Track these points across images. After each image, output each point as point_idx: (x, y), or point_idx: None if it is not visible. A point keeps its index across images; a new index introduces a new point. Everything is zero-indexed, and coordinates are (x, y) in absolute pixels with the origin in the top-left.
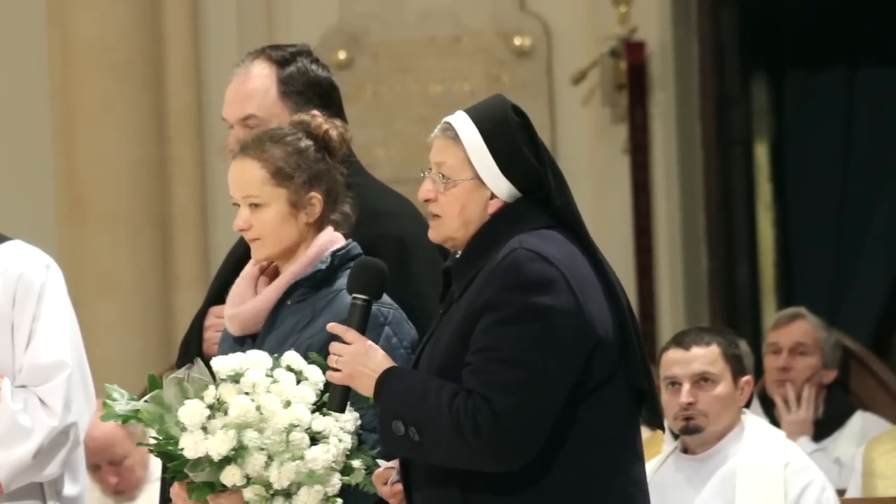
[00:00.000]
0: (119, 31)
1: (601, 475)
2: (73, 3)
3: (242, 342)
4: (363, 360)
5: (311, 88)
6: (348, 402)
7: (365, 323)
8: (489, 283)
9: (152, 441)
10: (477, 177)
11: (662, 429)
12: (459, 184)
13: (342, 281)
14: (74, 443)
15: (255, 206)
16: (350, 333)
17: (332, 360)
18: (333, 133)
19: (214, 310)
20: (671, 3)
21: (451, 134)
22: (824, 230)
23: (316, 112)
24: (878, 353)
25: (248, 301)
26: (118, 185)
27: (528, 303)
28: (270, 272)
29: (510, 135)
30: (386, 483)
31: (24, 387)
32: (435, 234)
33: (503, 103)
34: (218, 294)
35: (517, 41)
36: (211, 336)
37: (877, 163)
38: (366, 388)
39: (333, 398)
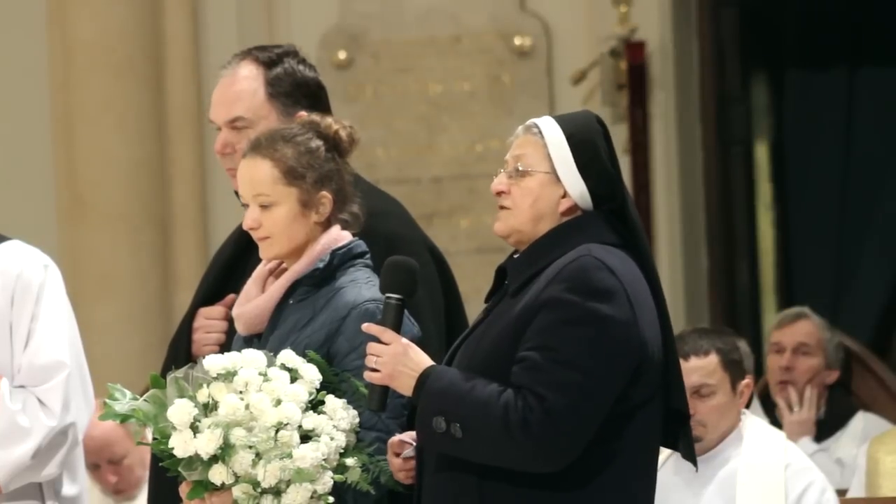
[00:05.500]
0: (119, 31)
1: (615, 494)
2: (73, 2)
3: (251, 342)
4: (402, 360)
5: (299, 89)
6: (345, 400)
7: (400, 322)
8: (552, 283)
9: (152, 440)
10: (553, 171)
11: (695, 463)
12: (535, 175)
13: (343, 279)
14: (73, 443)
15: (265, 205)
16: (387, 334)
17: (370, 361)
18: (343, 133)
19: (203, 311)
20: (671, 3)
21: (535, 131)
22: (824, 230)
23: (302, 112)
24: (879, 354)
25: (253, 300)
26: (118, 185)
27: (589, 308)
28: (279, 273)
29: (591, 138)
30: (399, 455)
31: (22, 387)
32: (502, 225)
33: (588, 112)
34: (206, 295)
35: (517, 41)
36: (200, 337)
37: (877, 162)
38: (406, 387)
39: (373, 398)
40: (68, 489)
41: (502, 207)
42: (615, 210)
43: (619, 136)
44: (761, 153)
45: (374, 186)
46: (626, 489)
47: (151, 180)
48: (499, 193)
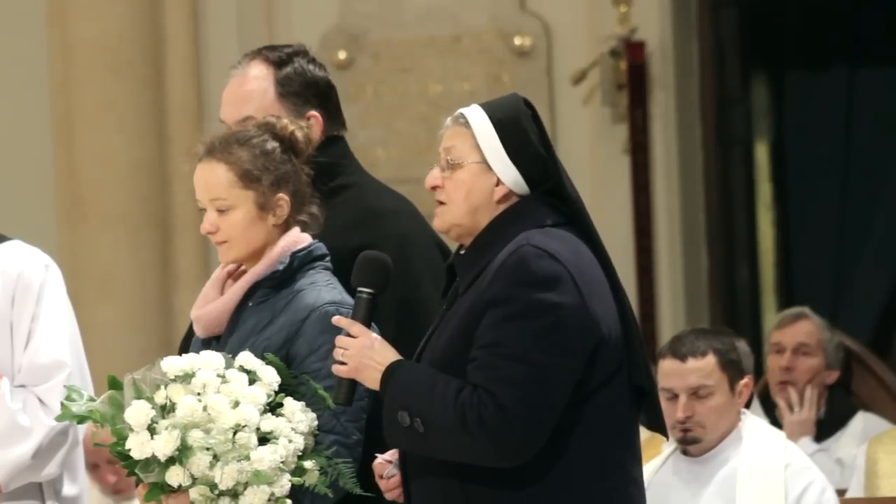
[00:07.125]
0: (119, 31)
1: (602, 474)
2: (73, 3)
3: (209, 344)
4: (369, 354)
5: (309, 89)
6: (304, 403)
7: (370, 316)
8: (495, 278)
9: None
10: (484, 161)
11: (665, 433)
12: (466, 166)
13: (303, 281)
14: (73, 442)
15: (222, 209)
16: (355, 327)
17: (337, 354)
18: (299, 134)
19: None
20: (671, 3)
21: (462, 121)
22: (824, 230)
23: (312, 112)
24: (878, 353)
25: (211, 303)
26: (118, 185)
27: (534, 299)
28: (238, 276)
29: (519, 123)
30: (382, 476)
31: (23, 386)
32: (440, 222)
33: (515, 96)
34: None
35: (517, 41)
36: None
37: (877, 163)
38: (372, 380)
39: (340, 391)
40: (68, 489)
41: (439, 203)
42: (552, 189)
43: (619, 136)
44: (761, 153)
45: (383, 185)
46: (612, 457)
47: (151, 180)
48: (434, 188)
